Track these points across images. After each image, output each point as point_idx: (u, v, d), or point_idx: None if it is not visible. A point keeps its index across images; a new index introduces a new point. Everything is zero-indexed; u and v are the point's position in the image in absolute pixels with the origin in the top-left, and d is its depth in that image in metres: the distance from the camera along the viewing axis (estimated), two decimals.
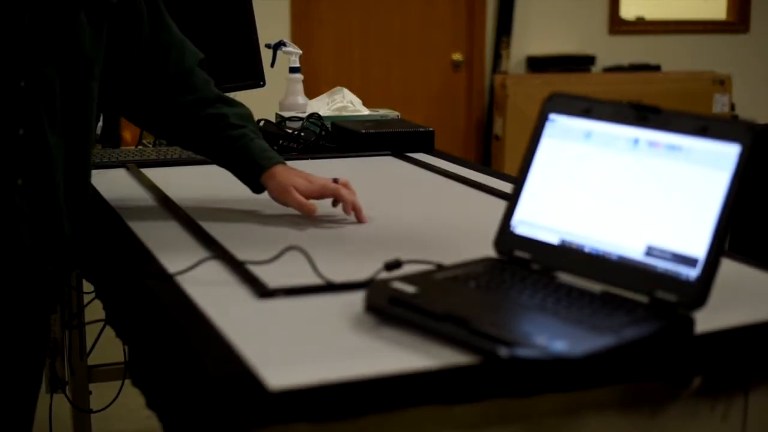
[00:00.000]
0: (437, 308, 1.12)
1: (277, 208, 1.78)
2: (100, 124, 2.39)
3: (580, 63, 5.88)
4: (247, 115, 1.77)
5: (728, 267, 1.31)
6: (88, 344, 2.64)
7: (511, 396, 1.07)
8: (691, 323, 1.14)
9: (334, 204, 1.72)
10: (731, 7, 6.40)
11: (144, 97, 1.73)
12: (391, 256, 1.33)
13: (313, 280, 1.31)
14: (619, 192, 1.25)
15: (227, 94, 1.80)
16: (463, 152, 5.54)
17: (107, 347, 2.51)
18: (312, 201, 1.69)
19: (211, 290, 1.30)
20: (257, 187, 1.74)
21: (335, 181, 1.71)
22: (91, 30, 1.53)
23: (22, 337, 1.60)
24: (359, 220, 1.68)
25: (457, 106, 5.83)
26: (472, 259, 1.34)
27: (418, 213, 1.79)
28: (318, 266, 1.32)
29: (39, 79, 1.46)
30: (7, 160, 1.46)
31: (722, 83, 5.87)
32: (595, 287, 1.23)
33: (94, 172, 1.65)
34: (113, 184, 1.96)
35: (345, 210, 1.69)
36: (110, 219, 1.71)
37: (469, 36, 5.78)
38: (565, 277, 1.26)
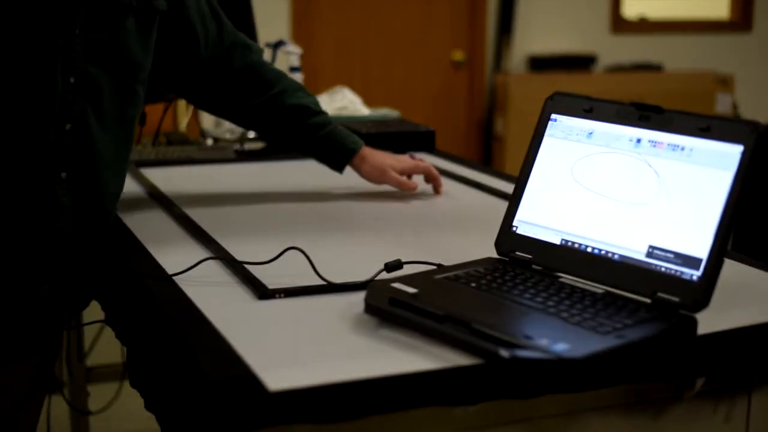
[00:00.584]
0: (438, 309, 1.11)
1: (276, 209, 1.78)
2: None
3: (582, 62, 5.88)
4: (318, 101, 1.87)
5: (731, 268, 1.31)
6: (86, 345, 2.63)
7: (512, 397, 1.06)
8: (693, 324, 1.14)
9: (428, 180, 1.92)
10: (734, 6, 6.39)
11: (223, 95, 1.80)
12: (391, 257, 1.32)
13: (313, 280, 1.30)
14: (621, 192, 1.25)
15: None
16: (463, 152, 5.54)
17: (105, 348, 2.51)
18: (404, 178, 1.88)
19: (210, 291, 1.29)
20: (341, 168, 1.88)
21: (412, 158, 1.93)
22: (138, 36, 1.57)
23: (36, 335, 1.61)
24: (439, 191, 1.91)
25: (457, 105, 5.83)
26: (473, 259, 1.33)
27: (418, 213, 1.78)
28: (318, 267, 1.32)
29: (87, 77, 1.50)
30: (53, 154, 1.49)
31: (725, 83, 5.87)
32: (597, 288, 1.22)
33: None
34: None
35: (437, 187, 1.91)
36: None
37: (470, 35, 5.78)
38: (566, 278, 1.26)
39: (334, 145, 1.85)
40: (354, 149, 1.85)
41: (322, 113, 1.84)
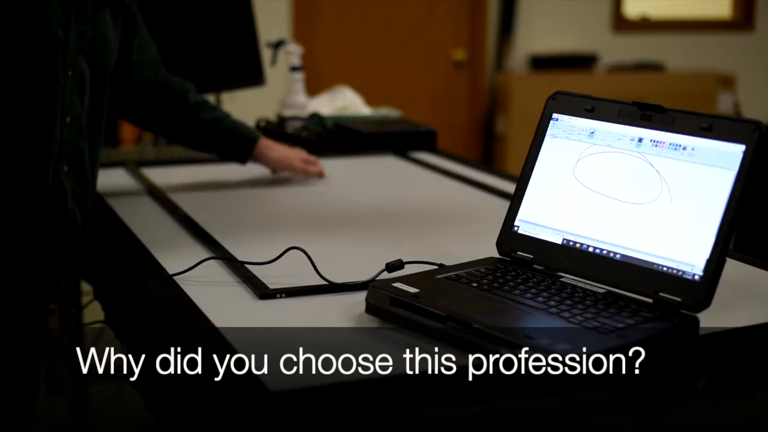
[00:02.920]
0: (439, 309, 1.11)
1: (277, 209, 1.77)
2: None
3: (584, 62, 5.87)
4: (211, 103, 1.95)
5: (733, 267, 1.30)
6: (86, 345, 2.63)
7: (513, 397, 1.06)
8: (695, 324, 1.13)
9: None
10: (735, 5, 6.38)
11: (136, 102, 1.82)
12: (392, 257, 1.32)
13: (314, 280, 1.30)
14: (623, 192, 1.24)
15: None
16: (464, 151, 5.53)
17: (105, 348, 2.50)
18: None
19: (211, 291, 1.29)
20: (245, 159, 1.93)
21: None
22: (112, 27, 1.63)
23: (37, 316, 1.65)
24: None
25: (458, 104, 5.82)
26: (475, 259, 1.33)
27: (419, 213, 1.78)
28: (319, 267, 1.31)
29: (77, 70, 1.54)
30: (58, 147, 1.53)
31: (726, 82, 5.86)
32: (599, 288, 1.22)
33: None
34: (112, 183, 1.96)
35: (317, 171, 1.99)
36: (109, 219, 1.70)
37: (472, 34, 5.77)
38: (568, 278, 1.25)
39: (236, 135, 1.90)
40: (256, 138, 1.91)
41: (220, 109, 1.91)
